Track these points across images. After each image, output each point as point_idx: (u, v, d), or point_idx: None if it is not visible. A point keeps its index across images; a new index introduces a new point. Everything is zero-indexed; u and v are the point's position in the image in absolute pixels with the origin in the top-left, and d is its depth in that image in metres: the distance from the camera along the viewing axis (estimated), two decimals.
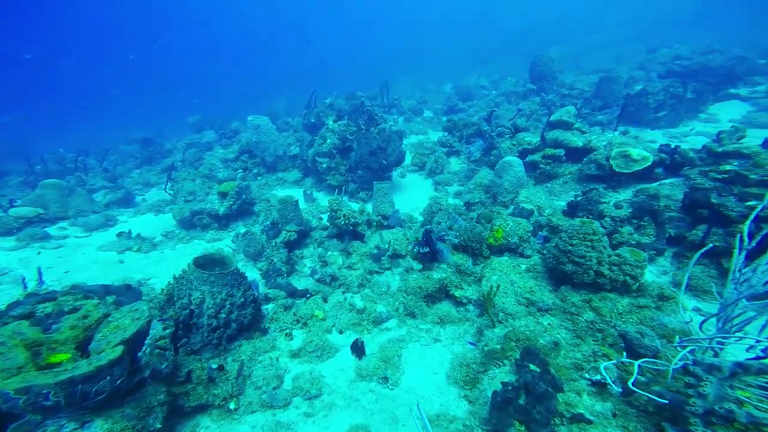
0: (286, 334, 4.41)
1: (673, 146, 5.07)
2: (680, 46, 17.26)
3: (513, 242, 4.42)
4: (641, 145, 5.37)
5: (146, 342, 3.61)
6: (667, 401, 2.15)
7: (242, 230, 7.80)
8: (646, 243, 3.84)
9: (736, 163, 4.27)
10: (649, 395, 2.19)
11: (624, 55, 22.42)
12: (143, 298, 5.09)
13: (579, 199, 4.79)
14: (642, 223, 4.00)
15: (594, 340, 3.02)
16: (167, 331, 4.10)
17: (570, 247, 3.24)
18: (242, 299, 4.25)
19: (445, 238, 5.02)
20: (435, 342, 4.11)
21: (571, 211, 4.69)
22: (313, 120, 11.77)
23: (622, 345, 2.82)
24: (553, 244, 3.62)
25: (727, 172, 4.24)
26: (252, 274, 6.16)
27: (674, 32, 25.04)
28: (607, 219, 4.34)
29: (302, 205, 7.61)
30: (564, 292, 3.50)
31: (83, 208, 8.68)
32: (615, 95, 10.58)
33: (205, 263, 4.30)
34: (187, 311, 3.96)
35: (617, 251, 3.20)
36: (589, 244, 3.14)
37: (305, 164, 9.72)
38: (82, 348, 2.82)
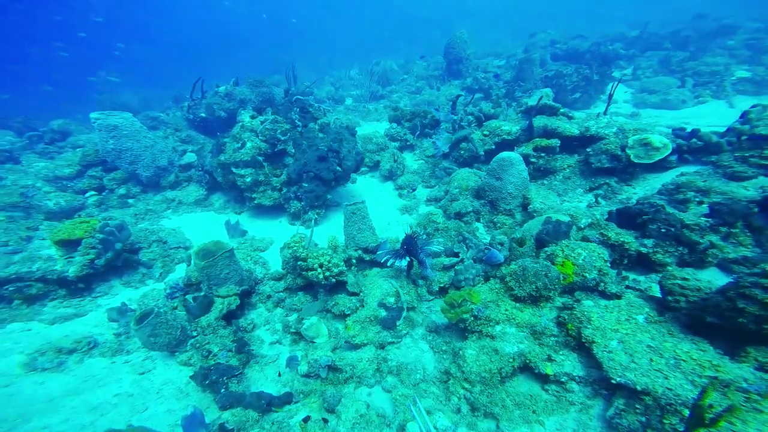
0: None
1: (689, 130, 4.78)
2: (552, 31, 19.38)
3: (591, 278, 3.30)
4: (656, 130, 4.98)
5: None
6: None
7: (124, 295, 4.85)
8: (750, 257, 3.24)
9: None
10: None
11: (501, 39, 24.43)
12: None
13: (623, 207, 3.96)
14: (733, 230, 3.39)
15: None
16: None
17: None
18: None
19: (425, 248, 3.74)
20: None
21: (626, 220, 3.82)
22: (203, 114, 8.65)
23: None
24: (718, 292, 2.51)
25: None
26: (170, 375, 3.68)
27: (531, 22, 28.68)
28: (685, 231, 3.59)
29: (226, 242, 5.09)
30: (757, 357, 2.48)
31: None
32: (534, 77, 10.74)
33: None
34: None
35: None
36: None
37: (209, 176, 6.88)
38: None
